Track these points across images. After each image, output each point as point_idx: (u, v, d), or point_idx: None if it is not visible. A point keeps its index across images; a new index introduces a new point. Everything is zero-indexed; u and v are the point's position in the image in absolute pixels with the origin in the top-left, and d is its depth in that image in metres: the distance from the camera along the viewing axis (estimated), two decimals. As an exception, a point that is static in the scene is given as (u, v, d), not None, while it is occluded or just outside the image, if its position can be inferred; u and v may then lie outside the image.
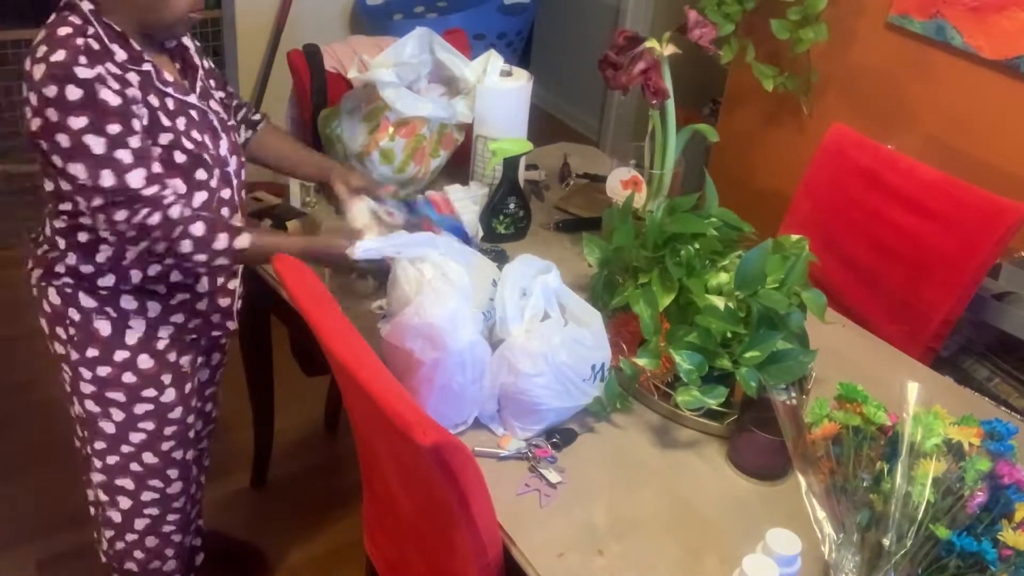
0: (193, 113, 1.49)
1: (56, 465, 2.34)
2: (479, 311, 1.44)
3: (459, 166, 2.08)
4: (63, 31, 1.34)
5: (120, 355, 1.54)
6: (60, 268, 1.50)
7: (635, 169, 1.98)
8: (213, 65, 1.67)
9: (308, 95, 2.15)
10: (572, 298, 1.49)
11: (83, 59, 1.32)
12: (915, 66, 2.35)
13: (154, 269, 1.52)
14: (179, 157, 1.44)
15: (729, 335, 1.44)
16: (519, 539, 1.26)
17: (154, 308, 1.54)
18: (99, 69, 1.33)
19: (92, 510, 1.72)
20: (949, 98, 2.29)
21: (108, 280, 1.50)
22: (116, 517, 1.67)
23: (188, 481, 1.73)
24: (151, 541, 1.70)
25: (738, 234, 1.65)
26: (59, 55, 1.31)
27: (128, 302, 1.52)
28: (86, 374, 1.54)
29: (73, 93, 1.31)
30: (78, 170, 1.34)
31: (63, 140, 1.32)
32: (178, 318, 1.58)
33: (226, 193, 1.55)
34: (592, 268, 1.70)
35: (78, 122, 1.31)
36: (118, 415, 1.57)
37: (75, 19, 1.36)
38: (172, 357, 1.60)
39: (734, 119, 2.92)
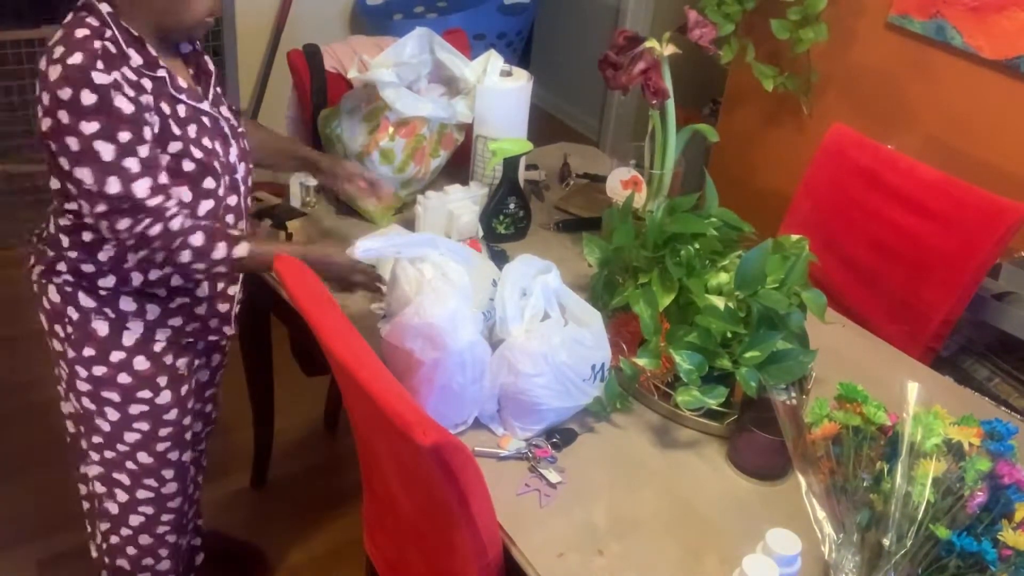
0: (205, 120, 1.49)
1: (56, 465, 2.33)
2: (479, 311, 1.44)
3: (459, 166, 2.08)
4: (80, 33, 1.34)
5: (116, 356, 1.54)
6: (61, 266, 1.50)
7: (635, 169, 1.98)
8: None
9: (308, 95, 2.15)
10: (572, 298, 1.49)
11: (100, 64, 1.32)
12: (915, 66, 2.35)
13: (155, 273, 1.52)
14: (187, 165, 1.44)
15: (729, 335, 1.44)
16: (519, 539, 1.26)
17: (153, 311, 1.54)
18: (115, 75, 1.33)
19: (86, 504, 1.72)
20: (949, 98, 2.29)
21: (108, 281, 1.50)
22: (113, 509, 1.67)
23: (184, 482, 1.72)
24: (144, 539, 1.70)
25: (738, 234, 1.65)
26: (76, 58, 1.31)
27: (127, 303, 1.52)
28: (82, 372, 1.54)
29: (88, 98, 1.30)
30: (84, 175, 1.34)
31: (73, 144, 1.32)
32: (176, 321, 1.58)
33: (233, 200, 1.55)
34: (592, 268, 1.70)
35: (90, 127, 1.31)
36: (113, 414, 1.57)
37: (93, 21, 1.36)
38: (169, 359, 1.60)
39: (734, 119, 2.92)
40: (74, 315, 1.51)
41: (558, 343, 1.38)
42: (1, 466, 2.37)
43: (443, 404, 1.39)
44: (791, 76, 2.57)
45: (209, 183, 1.47)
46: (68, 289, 1.51)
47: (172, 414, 1.62)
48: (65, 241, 1.49)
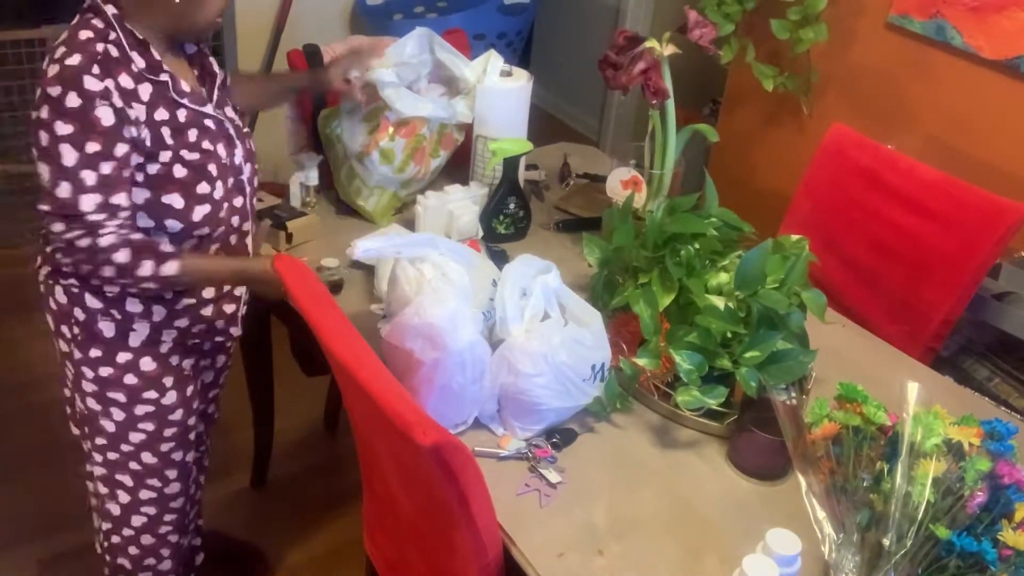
0: (208, 123, 1.49)
1: (56, 465, 2.34)
2: (479, 311, 1.44)
3: (459, 166, 2.08)
4: (84, 35, 1.35)
5: (123, 357, 1.54)
6: (68, 268, 1.50)
7: (635, 169, 1.98)
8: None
9: (308, 95, 2.15)
10: (572, 298, 1.49)
11: (96, 69, 1.33)
12: (915, 66, 2.35)
13: None
14: (179, 171, 1.44)
15: (729, 335, 1.44)
16: (519, 539, 1.26)
17: (159, 312, 1.54)
18: (108, 83, 1.34)
19: (93, 500, 1.72)
20: (949, 98, 2.29)
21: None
22: (115, 510, 1.67)
23: (187, 482, 1.73)
24: (147, 539, 1.70)
25: (738, 234, 1.65)
26: (74, 59, 1.32)
27: (133, 305, 1.52)
28: (88, 373, 1.54)
29: (73, 100, 1.31)
30: (44, 171, 1.35)
31: (43, 138, 1.34)
32: (182, 323, 1.58)
33: (239, 201, 1.55)
34: (592, 268, 1.70)
35: (64, 128, 1.32)
36: (119, 415, 1.57)
37: (98, 23, 1.37)
38: (175, 360, 1.60)
39: (734, 119, 2.92)
40: (80, 316, 1.51)
41: (558, 343, 1.38)
42: (1, 466, 2.38)
43: (443, 404, 1.39)
44: (791, 76, 2.57)
45: (203, 188, 1.46)
46: (75, 290, 1.51)
47: (177, 415, 1.62)
48: None
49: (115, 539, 1.70)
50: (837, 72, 2.53)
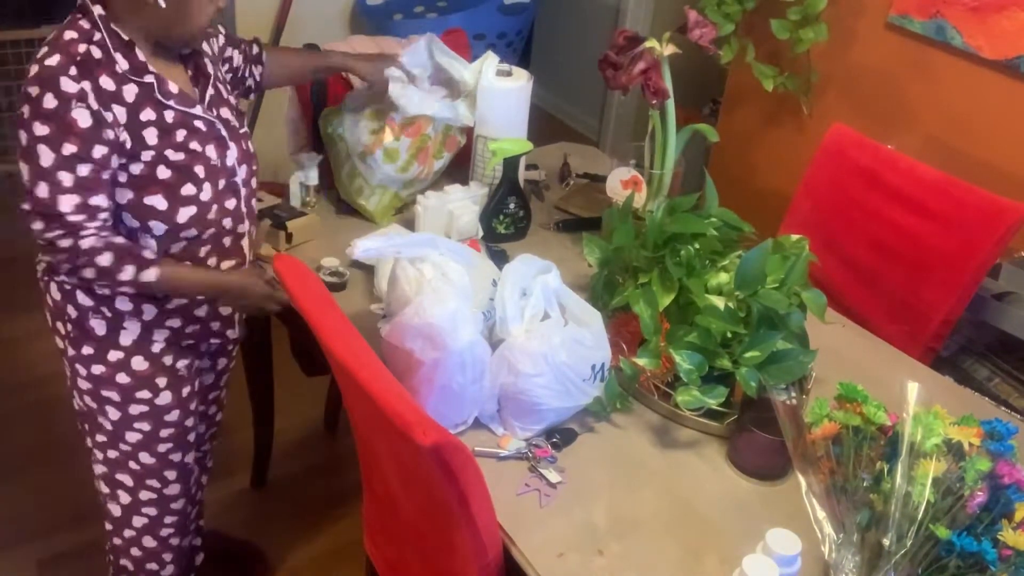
0: (198, 124, 1.48)
1: (56, 465, 2.34)
2: (479, 311, 1.44)
3: (459, 166, 2.08)
4: (68, 35, 1.36)
5: (114, 355, 1.54)
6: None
7: (635, 169, 1.98)
8: (223, 44, 1.67)
9: (308, 95, 2.15)
10: (572, 298, 1.49)
11: (74, 70, 1.33)
12: (915, 66, 2.34)
13: None
14: (163, 172, 1.43)
15: (729, 335, 1.44)
16: (519, 539, 1.26)
17: (150, 311, 1.54)
18: (85, 84, 1.34)
19: (101, 498, 1.72)
20: (949, 98, 2.29)
21: None
22: (116, 511, 1.67)
23: (187, 483, 1.72)
24: (148, 542, 1.70)
25: (738, 234, 1.65)
26: (53, 59, 1.33)
27: (123, 303, 1.52)
28: (82, 370, 1.55)
29: (49, 102, 1.32)
30: (24, 170, 1.37)
31: (23, 138, 1.35)
32: (175, 322, 1.57)
33: (231, 203, 1.55)
34: (592, 268, 1.70)
35: (41, 129, 1.33)
36: (114, 413, 1.57)
37: (84, 23, 1.38)
38: (168, 360, 1.59)
39: (734, 119, 2.92)
40: (73, 313, 1.52)
41: (558, 343, 1.38)
42: (1, 466, 2.37)
43: (443, 404, 1.39)
44: (791, 76, 2.57)
45: (188, 189, 1.46)
46: (67, 287, 1.51)
47: (173, 415, 1.62)
48: None
49: (117, 540, 1.70)
50: (837, 72, 2.53)
